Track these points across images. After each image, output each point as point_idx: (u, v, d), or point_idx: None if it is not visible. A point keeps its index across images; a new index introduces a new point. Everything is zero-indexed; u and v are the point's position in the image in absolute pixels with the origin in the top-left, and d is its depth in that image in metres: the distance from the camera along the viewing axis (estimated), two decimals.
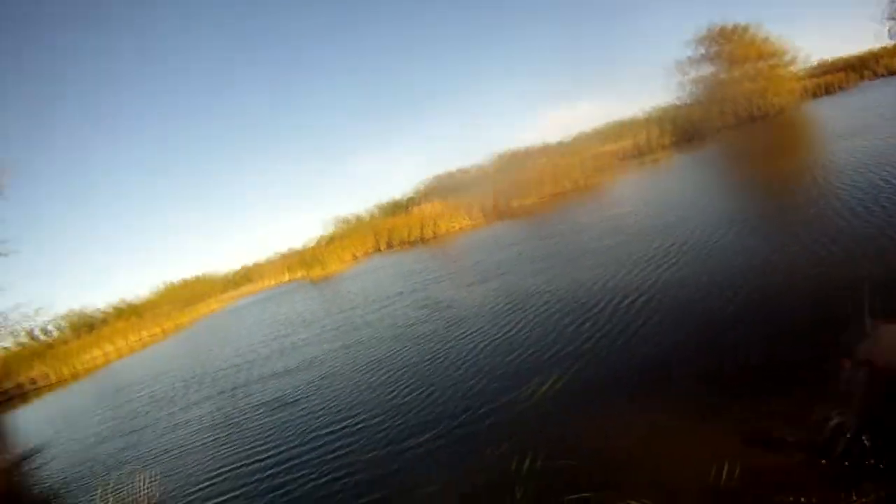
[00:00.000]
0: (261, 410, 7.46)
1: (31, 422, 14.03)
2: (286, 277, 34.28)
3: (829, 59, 46.81)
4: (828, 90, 40.11)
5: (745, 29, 36.08)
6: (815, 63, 47.76)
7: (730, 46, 36.31)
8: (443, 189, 34.95)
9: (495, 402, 5.06)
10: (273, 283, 35.97)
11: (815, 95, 39.20)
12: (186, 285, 41.24)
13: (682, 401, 3.95)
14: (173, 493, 5.54)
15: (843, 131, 14.47)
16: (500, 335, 7.04)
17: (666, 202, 13.05)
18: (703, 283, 6.28)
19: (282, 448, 5.78)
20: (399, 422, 5.32)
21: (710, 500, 2.89)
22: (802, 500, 2.63)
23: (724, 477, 2.91)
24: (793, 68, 37.52)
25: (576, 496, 3.06)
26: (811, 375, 3.52)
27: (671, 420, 3.71)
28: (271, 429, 6.56)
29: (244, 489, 5.13)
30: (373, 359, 8.01)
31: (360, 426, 5.55)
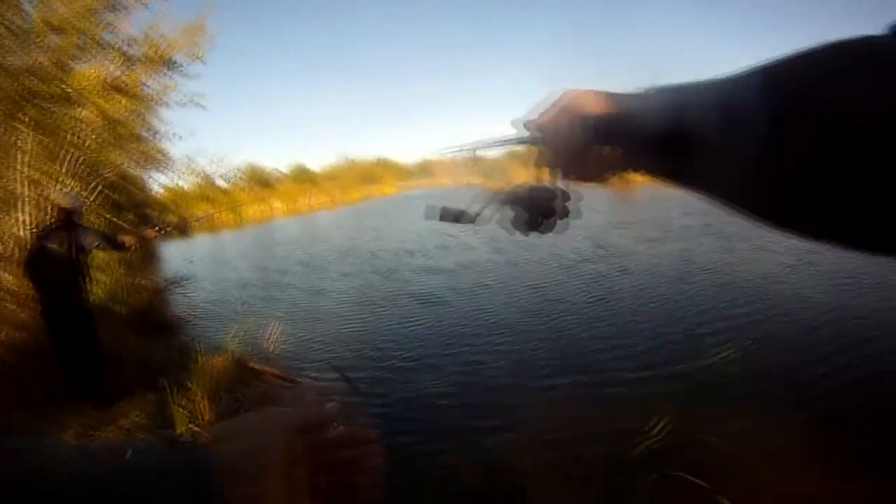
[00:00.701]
0: (403, 299, 7.07)
1: (187, 255, 15.06)
2: (466, 181, 34.37)
3: None
4: None
5: None
6: None
7: None
8: None
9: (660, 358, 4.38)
10: (451, 183, 36.31)
11: None
12: (366, 165, 42.84)
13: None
14: (297, 349, 5.38)
15: None
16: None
17: None
18: None
19: (406, 342, 5.34)
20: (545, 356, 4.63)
21: None
22: None
23: None
24: None
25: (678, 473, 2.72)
26: None
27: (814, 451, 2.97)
28: (406, 319, 6.15)
29: (361, 363, 4.85)
30: (548, 282, 7.23)
31: (499, 347, 4.91)
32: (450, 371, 4.40)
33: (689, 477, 2.68)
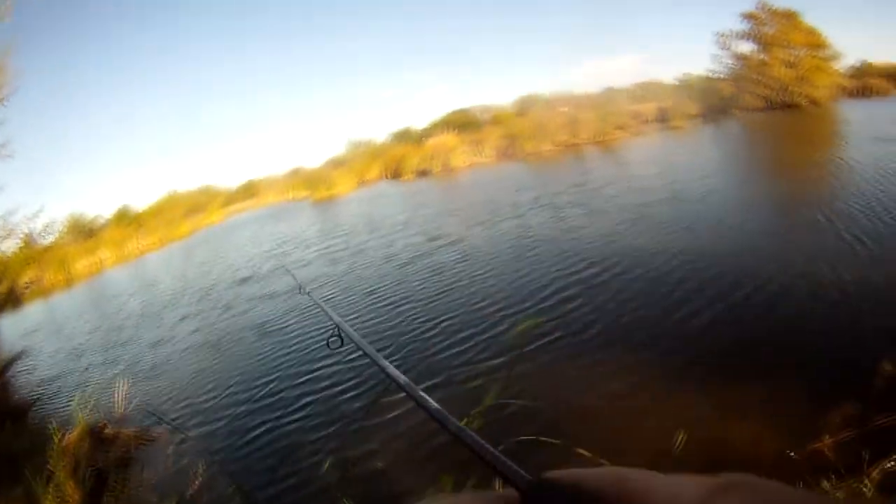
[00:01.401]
0: (246, 333, 7.13)
1: (17, 327, 13.58)
2: (290, 196, 33.94)
3: (876, 63, 44.71)
4: (865, 93, 38.90)
5: (795, 15, 34.86)
6: (860, 64, 45.61)
7: (776, 28, 35.22)
8: (460, 124, 34.34)
9: (478, 333, 5.09)
10: (276, 199, 35.44)
11: (851, 95, 38.19)
12: (189, 196, 40.62)
13: (670, 365, 3.87)
14: (149, 402, 5.41)
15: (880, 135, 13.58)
16: (500, 273, 6.85)
17: (677, 170, 12.70)
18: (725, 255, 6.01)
19: (247, 373, 5.58)
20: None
21: (659, 461, 2.76)
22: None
23: (680, 444, 2.85)
24: (834, 63, 36.48)
25: (529, 437, 2.96)
26: (835, 376, 3.40)
27: (649, 381, 3.68)
28: (249, 355, 6.26)
29: (211, 406, 5.02)
30: (365, 290, 7.56)
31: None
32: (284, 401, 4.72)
33: (543, 438, 2.88)
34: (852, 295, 4.54)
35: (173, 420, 4.89)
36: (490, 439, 0.69)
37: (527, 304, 5.57)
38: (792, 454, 2.79)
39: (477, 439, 0.69)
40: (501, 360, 4.40)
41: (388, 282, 7.67)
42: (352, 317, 6.36)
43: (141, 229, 31.09)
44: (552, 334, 4.68)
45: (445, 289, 6.76)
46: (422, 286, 7.11)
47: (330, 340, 1.58)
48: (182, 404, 5.24)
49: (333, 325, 1.65)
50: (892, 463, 2.57)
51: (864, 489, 2.43)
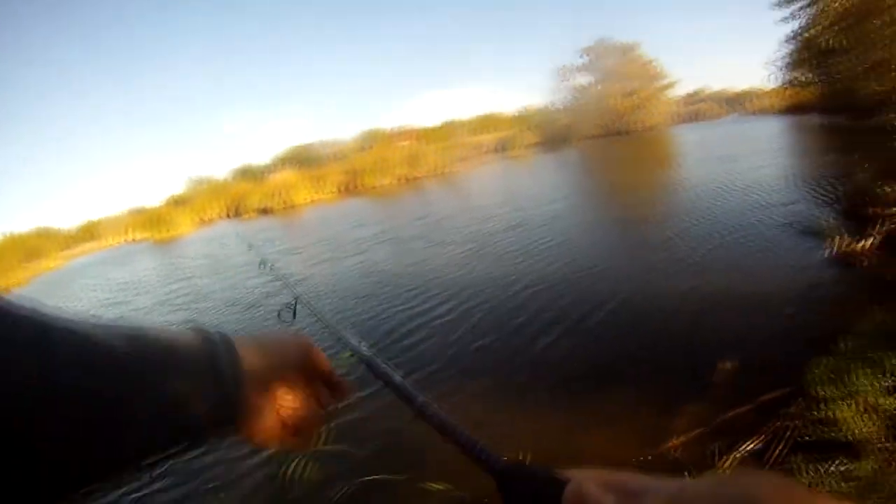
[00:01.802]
0: None
1: None
2: (131, 237, 31.09)
3: (709, 90, 52.46)
4: (699, 117, 44.50)
5: (633, 48, 38.67)
6: (693, 91, 53.13)
7: (613, 61, 38.61)
8: (302, 159, 34.00)
9: None
10: (118, 241, 32.16)
11: (686, 120, 42.44)
12: (24, 239, 35.35)
13: (519, 389, 3.98)
14: None
15: (703, 156, 16.32)
16: (342, 313, 6.77)
17: (518, 198, 13.81)
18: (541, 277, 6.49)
19: None
20: None
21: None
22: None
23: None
24: (670, 91, 40.83)
25: (372, 478, 3.04)
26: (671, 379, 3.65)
27: (497, 406, 3.73)
28: None
29: None
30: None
31: None
32: None
33: (388, 476, 2.94)
34: (689, 302, 4.91)
35: None
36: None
37: (373, 343, 5.22)
38: (644, 458, 2.87)
39: (449, 420, 0.62)
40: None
41: (232, 329, 7.24)
42: None
43: None
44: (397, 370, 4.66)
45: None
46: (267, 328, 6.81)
47: (282, 312, 1.54)
48: None
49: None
50: (739, 454, 2.72)
51: None
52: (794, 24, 9.70)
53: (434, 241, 9.98)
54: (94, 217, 40.31)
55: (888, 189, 6.69)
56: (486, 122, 44.04)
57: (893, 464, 2.26)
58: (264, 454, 3.46)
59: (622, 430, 3.12)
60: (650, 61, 38.79)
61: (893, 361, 2.78)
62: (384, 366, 0.73)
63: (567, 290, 5.81)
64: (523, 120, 40.80)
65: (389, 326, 5.85)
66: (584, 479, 0.38)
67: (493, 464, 0.49)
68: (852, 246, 5.65)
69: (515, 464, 0.47)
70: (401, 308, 6.42)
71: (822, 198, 8.54)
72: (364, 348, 0.80)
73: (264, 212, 26.75)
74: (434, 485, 2.76)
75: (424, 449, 3.04)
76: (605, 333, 4.60)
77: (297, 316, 1.37)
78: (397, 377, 0.68)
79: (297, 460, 3.15)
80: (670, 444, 2.89)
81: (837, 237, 5.90)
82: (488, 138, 37.67)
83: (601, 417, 3.29)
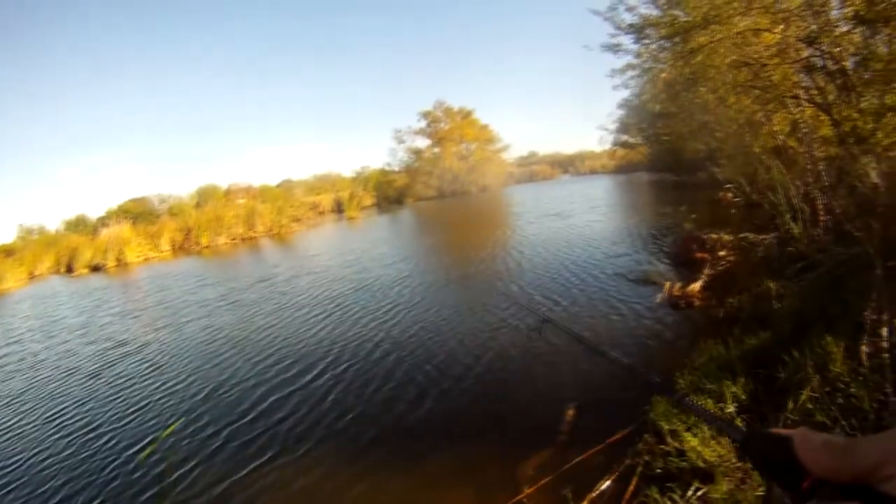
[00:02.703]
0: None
1: None
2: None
3: (542, 153, 57.13)
4: (532, 178, 48.40)
5: (469, 113, 41.34)
6: (527, 154, 57.41)
7: (450, 125, 40.93)
8: (136, 213, 32.14)
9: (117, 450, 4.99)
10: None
11: (519, 181, 44.86)
12: None
13: (366, 452, 4.04)
14: None
15: (535, 215, 17.76)
16: (186, 379, 6.70)
17: (360, 259, 14.60)
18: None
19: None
20: None
21: None
22: None
23: None
24: (503, 154, 43.83)
25: None
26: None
27: (342, 472, 3.78)
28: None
29: None
30: (47, 415, 6.43)
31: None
32: None
33: None
34: (532, 356, 5.16)
35: None
36: None
37: (213, 418, 5.28)
38: None
39: (696, 404, 0.77)
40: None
41: (70, 403, 6.68)
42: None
43: None
44: (238, 442, 4.60)
45: (142, 402, 6.20)
46: (113, 397, 6.59)
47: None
48: None
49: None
50: (595, 493, 2.73)
51: None
52: (625, 93, 12.36)
53: (281, 305, 10.03)
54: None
55: (713, 236, 7.40)
56: (324, 181, 44.59)
57: (748, 481, 2.34)
58: None
59: (479, 484, 3.16)
60: (485, 126, 41.75)
61: (732, 389, 2.95)
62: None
63: (421, 354, 5.92)
64: (359, 181, 42.10)
65: (244, 405, 5.53)
66: (803, 431, 0.49)
67: (736, 433, 0.62)
68: (683, 289, 6.02)
69: (752, 430, 0.57)
70: (246, 377, 6.27)
71: (653, 248, 9.37)
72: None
73: (96, 268, 25.26)
74: None
75: None
76: (458, 395, 4.69)
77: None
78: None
79: None
80: (524, 493, 2.92)
81: (668, 283, 6.35)
82: (325, 198, 38.29)
83: (459, 473, 3.33)
